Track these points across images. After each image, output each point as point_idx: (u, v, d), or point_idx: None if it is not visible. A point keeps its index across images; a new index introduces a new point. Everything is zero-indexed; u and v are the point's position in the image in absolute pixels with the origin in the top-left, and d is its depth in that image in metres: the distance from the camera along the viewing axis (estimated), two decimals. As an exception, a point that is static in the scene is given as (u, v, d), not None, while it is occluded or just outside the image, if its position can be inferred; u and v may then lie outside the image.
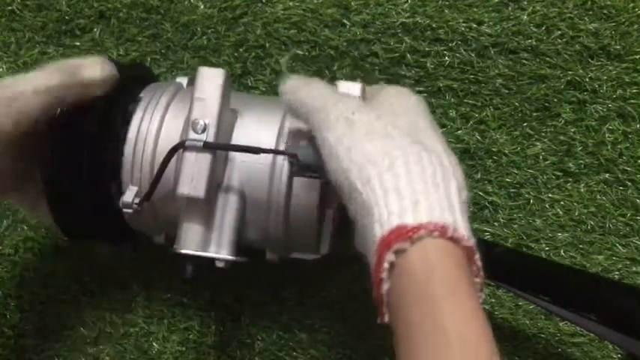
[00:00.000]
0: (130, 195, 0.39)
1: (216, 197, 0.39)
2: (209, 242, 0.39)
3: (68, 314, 0.52)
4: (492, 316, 0.51)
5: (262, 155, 0.38)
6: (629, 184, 0.52)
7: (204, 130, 0.37)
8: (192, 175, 0.37)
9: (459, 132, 0.53)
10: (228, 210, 0.39)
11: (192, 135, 0.37)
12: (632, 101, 0.52)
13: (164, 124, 0.40)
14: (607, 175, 0.52)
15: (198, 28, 0.54)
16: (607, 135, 0.52)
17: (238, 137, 0.40)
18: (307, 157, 0.35)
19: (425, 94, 0.53)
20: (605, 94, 0.52)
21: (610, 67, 0.52)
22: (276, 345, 0.51)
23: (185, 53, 0.54)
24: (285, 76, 0.37)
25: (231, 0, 0.54)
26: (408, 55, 0.53)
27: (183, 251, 0.38)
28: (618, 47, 0.52)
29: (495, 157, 0.53)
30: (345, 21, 0.53)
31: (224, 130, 0.38)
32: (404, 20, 0.53)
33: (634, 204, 0.52)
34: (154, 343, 0.51)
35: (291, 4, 0.54)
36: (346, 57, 0.53)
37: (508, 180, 0.52)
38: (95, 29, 0.55)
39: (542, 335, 0.50)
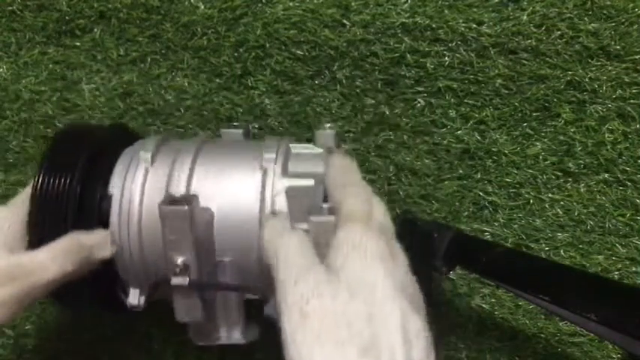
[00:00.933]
0: (134, 297, 0.40)
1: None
2: (219, 329, 0.39)
3: (68, 314, 0.52)
4: (492, 316, 0.51)
5: (248, 223, 0.37)
6: (629, 184, 0.52)
7: (186, 270, 0.36)
8: (187, 307, 0.37)
9: (459, 132, 0.53)
10: (228, 297, 0.39)
11: (175, 279, 0.36)
12: (631, 101, 0.52)
13: (143, 213, 0.38)
14: (607, 175, 0.52)
15: (199, 29, 0.54)
16: (607, 135, 0.52)
17: (220, 234, 0.38)
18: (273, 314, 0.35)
19: (425, 94, 0.53)
20: (604, 94, 0.52)
21: (610, 67, 0.52)
22: (277, 346, 0.51)
23: (185, 53, 0.55)
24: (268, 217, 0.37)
25: (231, 0, 0.54)
26: (408, 56, 0.53)
27: (201, 344, 0.39)
28: (618, 47, 0.52)
29: (495, 157, 0.53)
30: (345, 21, 0.53)
31: (204, 247, 0.37)
32: (404, 20, 0.53)
33: (633, 204, 0.52)
34: (154, 344, 0.51)
35: (291, 4, 0.54)
36: (346, 57, 0.53)
37: (508, 180, 0.52)
38: (95, 29, 0.55)
39: (542, 335, 0.50)
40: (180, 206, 0.34)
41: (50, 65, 0.55)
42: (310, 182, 0.38)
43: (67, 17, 0.55)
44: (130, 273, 0.39)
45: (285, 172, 0.39)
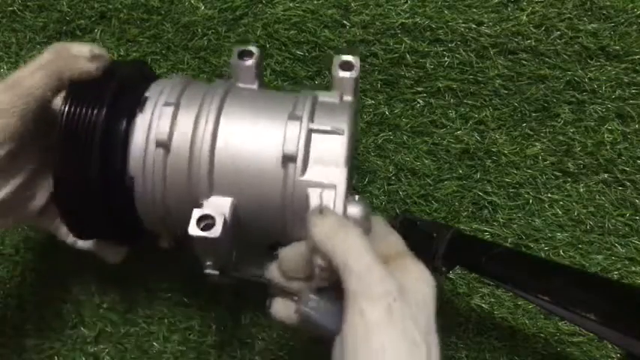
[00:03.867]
0: (164, 241, 0.43)
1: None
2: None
3: (68, 314, 0.52)
4: (492, 315, 0.51)
5: (272, 216, 0.39)
6: (628, 184, 0.52)
7: (216, 266, 0.39)
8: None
9: (459, 132, 0.53)
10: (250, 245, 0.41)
11: (207, 270, 0.40)
12: (631, 101, 0.52)
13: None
14: (606, 175, 0.52)
15: (199, 29, 0.54)
16: (606, 135, 0.52)
17: (245, 221, 0.40)
18: (316, 311, 0.35)
19: (424, 95, 0.53)
20: (604, 94, 0.52)
21: (609, 68, 0.52)
22: (277, 344, 0.51)
23: (186, 54, 0.55)
24: (316, 213, 0.35)
25: (231, 1, 0.54)
26: (408, 56, 0.53)
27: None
28: (617, 48, 0.52)
29: (495, 158, 0.53)
30: (344, 22, 0.54)
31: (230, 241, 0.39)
32: (403, 21, 0.53)
33: (633, 204, 0.52)
34: (155, 343, 0.51)
35: (291, 4, 0.54)
36: (346, 57, 0.54)
37: (507, 180, 0.52)
38: (96, 30, 0.55)
39: (542, 335, 0.50)
40: (210, 233, 0.36)
41: (51, 65, 0.55)
42: (332, 193, 0.38)
43: (67, 18, 0.55)
44: (158, 229, 0.42)
45: (304, 170, 0.39)
